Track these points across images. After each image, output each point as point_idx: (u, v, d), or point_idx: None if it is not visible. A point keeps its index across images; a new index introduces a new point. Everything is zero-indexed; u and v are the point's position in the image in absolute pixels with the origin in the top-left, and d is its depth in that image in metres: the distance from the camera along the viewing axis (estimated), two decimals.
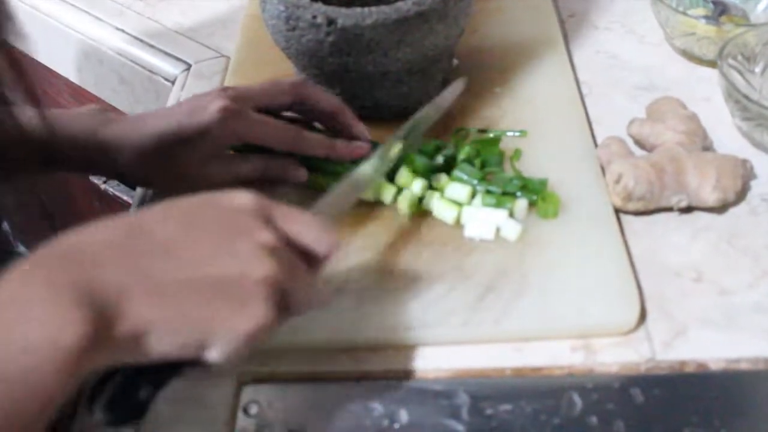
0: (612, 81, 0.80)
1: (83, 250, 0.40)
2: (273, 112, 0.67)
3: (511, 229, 0.62)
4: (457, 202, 0.64)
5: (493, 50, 0.83)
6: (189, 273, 0.41)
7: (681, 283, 0.60)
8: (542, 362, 0.56)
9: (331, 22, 0.66)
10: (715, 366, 0.55)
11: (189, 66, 0.87)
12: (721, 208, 0.65)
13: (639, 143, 0.71)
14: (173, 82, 0.86)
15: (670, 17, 0.80)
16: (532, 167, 0.68)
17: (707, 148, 0.69)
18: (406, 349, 0.57)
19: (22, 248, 0.64)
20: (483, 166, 0.68)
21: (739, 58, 0.74)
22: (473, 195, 0.65)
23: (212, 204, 0.45)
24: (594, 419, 0.53)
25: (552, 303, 0.57)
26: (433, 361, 0.56)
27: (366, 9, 0.66)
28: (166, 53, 0.90)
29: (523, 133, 0.72)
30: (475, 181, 0.65)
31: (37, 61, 1.05)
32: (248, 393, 0.55)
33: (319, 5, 0.67)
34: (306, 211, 0.49)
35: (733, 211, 0.65)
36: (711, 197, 0.64)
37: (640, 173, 0.63)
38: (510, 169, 0.68)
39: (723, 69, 0.71)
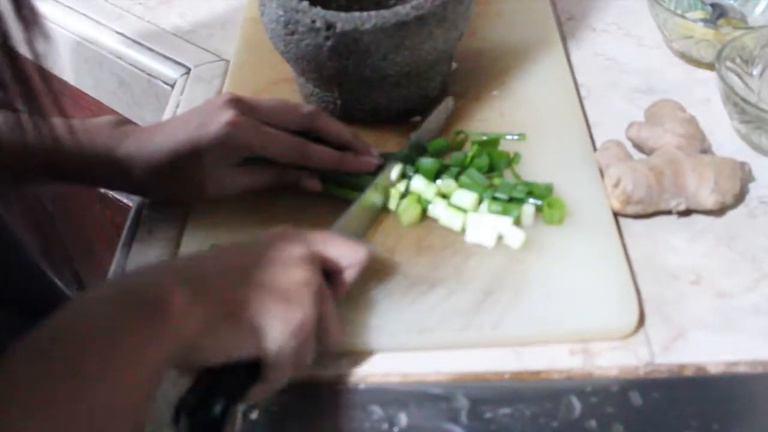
0: (610, 84, 0.80)
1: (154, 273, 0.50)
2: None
3: (515, 237, 0.62)
4: (463, 208, 0.64)
5: (491, 53, 0.83)
6: (245, 280, 0.50)
7: (679, 286, 0.60)
8: (541, 366, 0.56)
9: (330, 26, 0.66)
10: (713, 369, 0.55)
11: (188, 69, 0.87)
12: (719, 211, 0.65)
13: (638, 146, 0.71)
14: (173, 86, 0.87)
15: (668, 20, 0.80)
16: (530, 171, 0.68)
17: (706, 151, 0.69)
18: (405, 353, 0.57)
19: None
20: (491, 169, 0.68)
21: (738, 60, 0.74)
22: (480, 202, 0.65)
23: (255, 238, 0.54)
24: (593, 423, 0.53)
25: (551, 307, 0.58)
26: (432, 365, 0.56)
27: (365, 13, 0.67)
28: (165, 57, 0.90)
29: (521, 136, 0.72)
30: (482, 188, 0.65)
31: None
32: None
33: (318, 9, 0.67)
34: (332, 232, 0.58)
35: (731, 213, 0.66)
36: (709, 200, 0.64)
37: (638, 176, 0.63)
38: (509, 173, 0.68)
39: (721, 72, 0.71)
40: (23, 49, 0.37)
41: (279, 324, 0.48)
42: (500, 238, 0.63)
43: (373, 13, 0.67)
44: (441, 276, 0.60)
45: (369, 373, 0.56)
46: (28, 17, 0.37)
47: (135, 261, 0.66)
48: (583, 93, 0.79)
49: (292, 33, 0.68)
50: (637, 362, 0.55)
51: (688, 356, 0.56)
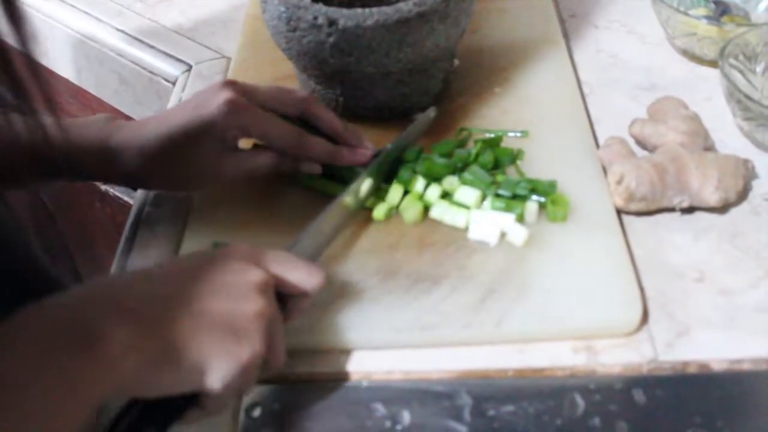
0: (613, 81, 0.80)
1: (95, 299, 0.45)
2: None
3: (518, 234, 0.62)
4: (466, 205, 0.64)
5: (493, 50, 0.83)
6: (189, 310, 0.45)
7: (683, 284, 0.60)
8: (544, 363, 0.55)
9: (332, 23, 0.66)
10: (717, 366, 0.55)
11: (190, 67, 0.87)
12: (722, 209, 0.65)
13: (640, 143, 0.71)
14: (174, 83, 0.86)
15: (671, 17, 0.80)
16: (533, 167, 0.68)
17: (709, 148, 0.69)
18: (408, 350, 0.57)
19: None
20: (495, 166, 0.68)
21: (741, 57, 0.74)
22: (483, 199, 0.65)
23: (206, 257, 0.50)
24: (596, 420, 0.53)
25: (554, 304, 0.57)
26: (435, 362, 0.56)
27: (367, 10, 0.66)
28: (166, 54, 0.90)
29: (524, 133, 0.72)
30: (485, 185, 0.65)
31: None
32: (251, 395, 0.55)
33: (320, 6, 0.67)
34: (290, 252, 0.54)
35: (734, 211, 0.65)
36: (713, 197, 0.63)
37: (641, 174, 0.63)
38: (512, 170, 0.68)
39: (724, 69, 0.70)
40: (12, 41, 0.37)
41: (225, 362, 0.45)
42: (503, 235, 0.62)
43: (375, 9, 0.66)
44: (444, 273, 0.60)
45: (372, 370, 0.56)
46: (15, 12, 0.36)
47: (136, 259, 0.66)
48: (585, 90, 0.78)
49: (294, 30, 0.68)
50: (640, 360, 0.55)
51: (691, 354, 0.55)
